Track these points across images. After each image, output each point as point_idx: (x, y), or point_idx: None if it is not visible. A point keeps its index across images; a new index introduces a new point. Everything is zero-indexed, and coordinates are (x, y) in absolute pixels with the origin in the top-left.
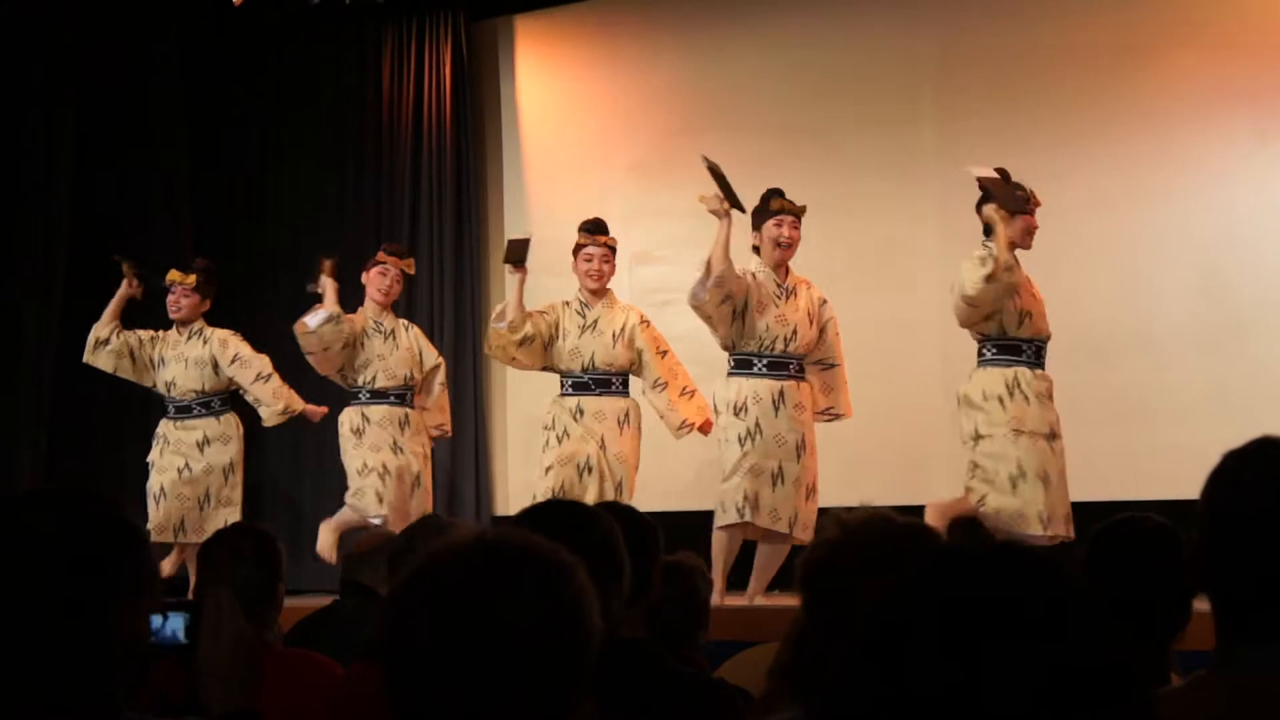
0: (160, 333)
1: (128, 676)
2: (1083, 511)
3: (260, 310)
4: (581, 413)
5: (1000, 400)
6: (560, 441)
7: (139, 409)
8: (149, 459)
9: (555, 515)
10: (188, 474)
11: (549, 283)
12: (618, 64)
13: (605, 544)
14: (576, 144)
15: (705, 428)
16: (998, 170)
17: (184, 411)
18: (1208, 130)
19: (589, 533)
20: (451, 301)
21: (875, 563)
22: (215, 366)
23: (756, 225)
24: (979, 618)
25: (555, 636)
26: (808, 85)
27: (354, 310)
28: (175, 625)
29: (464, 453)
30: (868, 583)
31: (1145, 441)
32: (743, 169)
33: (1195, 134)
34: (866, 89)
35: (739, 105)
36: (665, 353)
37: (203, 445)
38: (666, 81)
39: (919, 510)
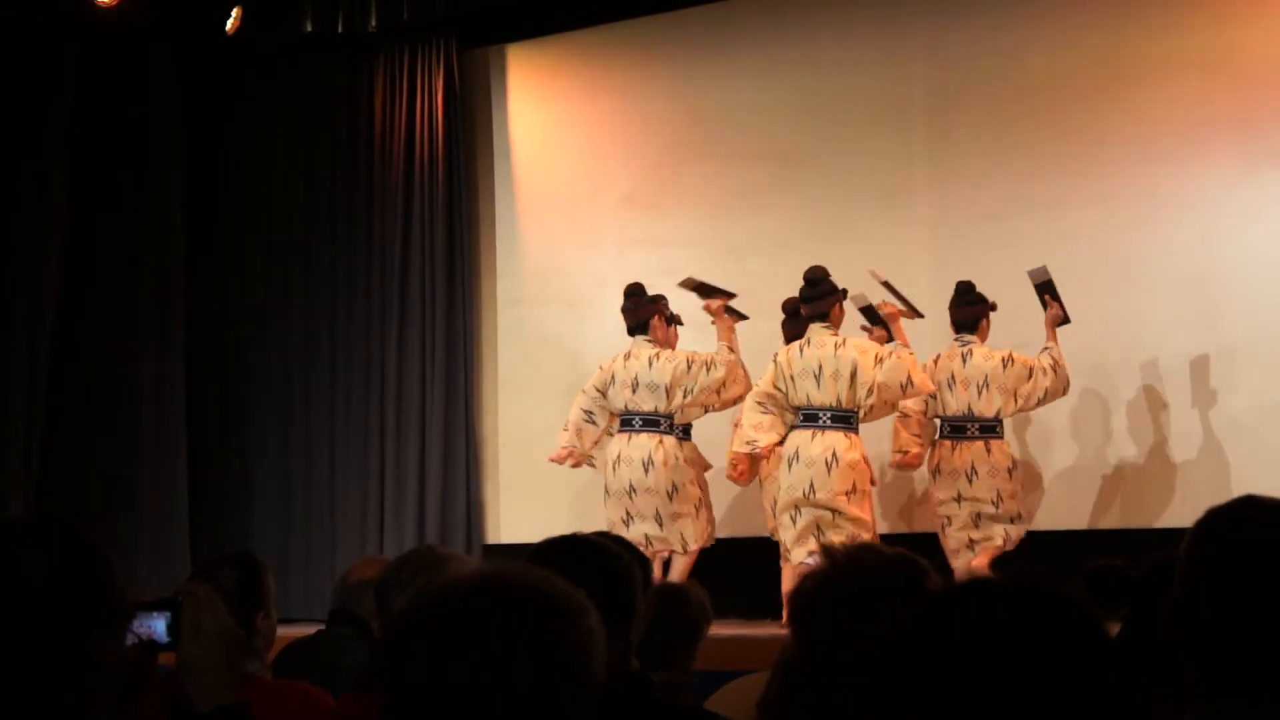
0: None
1: (109, 701)
2: (1070, 540)
3: (253, 338)
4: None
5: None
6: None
7: (128, 451)
8: None
9: (574, 553)
10: None
11: (542, 312)
12: (610, 93)
13: (622, 585)
14: (569, 173)
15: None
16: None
17: None
18: (1195, 159)
19: (607, 573)
20: (444, 329)
21: (865, 595)
22: None
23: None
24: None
25: (555, 684)
26: (800, 115)
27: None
28: (157, 625)
29: (455, 481)
30: (858, 615)
31: (1132, 470)
32: (735, 198)
33: (1183, 163)
34: (858, 119)
35: (731, 135)
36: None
37: None
38: (659, 111)
39: (921, 539)
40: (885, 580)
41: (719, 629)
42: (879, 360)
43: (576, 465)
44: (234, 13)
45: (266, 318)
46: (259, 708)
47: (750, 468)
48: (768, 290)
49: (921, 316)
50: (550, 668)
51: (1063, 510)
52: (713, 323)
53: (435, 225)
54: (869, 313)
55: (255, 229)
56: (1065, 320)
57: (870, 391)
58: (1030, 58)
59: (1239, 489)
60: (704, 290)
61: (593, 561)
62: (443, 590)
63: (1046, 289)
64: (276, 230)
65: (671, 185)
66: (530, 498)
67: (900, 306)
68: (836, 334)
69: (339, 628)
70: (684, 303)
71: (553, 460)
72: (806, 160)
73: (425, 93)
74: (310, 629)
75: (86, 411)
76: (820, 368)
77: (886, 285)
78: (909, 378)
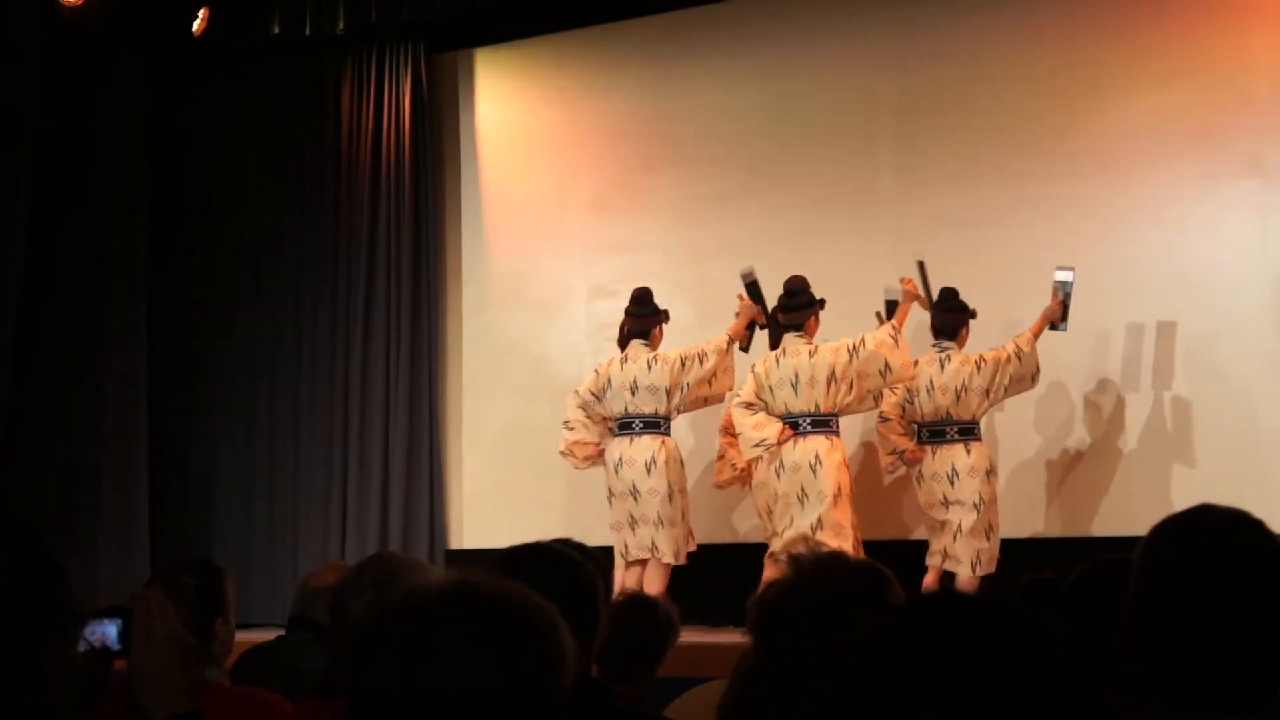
0: None
1: (63, 708)
2: (1031, 548)
3: (217, 340)
4: None
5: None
6: None
7: (91, 450)
8: None
9: (537, 561)
10: None
11: (508, 317)
12: (578, 99)
13: (585, 594)
14: (536, 178)
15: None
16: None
17: None
18: (1160, 170)
19: (570, 582)
20: (409, 334)
21: (829, 605)
22: None
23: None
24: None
25: (522, 696)
26: (767, 123)
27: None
28: (109, 632)
29: (418, 486)
30: (822, 624)
31: (1097, 479)
32: (702, 205)
33: (1148, 174)
34: (825, 127)
35: (698, 141)
36: None
37: None
38: (626, 117)
39: (892, 546)
40: (849, 591)
41: (682, 636)
42: (852, 351)
43: (589, 460)
44: (201, 14)
45: (231, 320)
46: (215, 714)
47: (742, 472)
48: (733, 296)
49: (929, 310)
50: (518, 679)
51: (1025, 517)
52: (736, 313)
53: (401, 229)
54: (753, 288)
55: (221, 231)
56: (1060, 324)
57: (851, 386)
58: (997, 68)
59: (1201, 498)
60: (753, 292)
61: (556, 570)
62: (412, 596)
63: (1065, 291)
64: (242, 232)
65: (639, 191)
66: (495, 503)
67: (920, 291)
68: (810, 343)
69: (299, 633)
70: (679, 311)
71: (579, 462)
72: (773, 167)
73: (393, 96)
74: (271, 634)
75: (49, 412)
76: (796, 376)
77: (920, 266)
78: (886, 363)
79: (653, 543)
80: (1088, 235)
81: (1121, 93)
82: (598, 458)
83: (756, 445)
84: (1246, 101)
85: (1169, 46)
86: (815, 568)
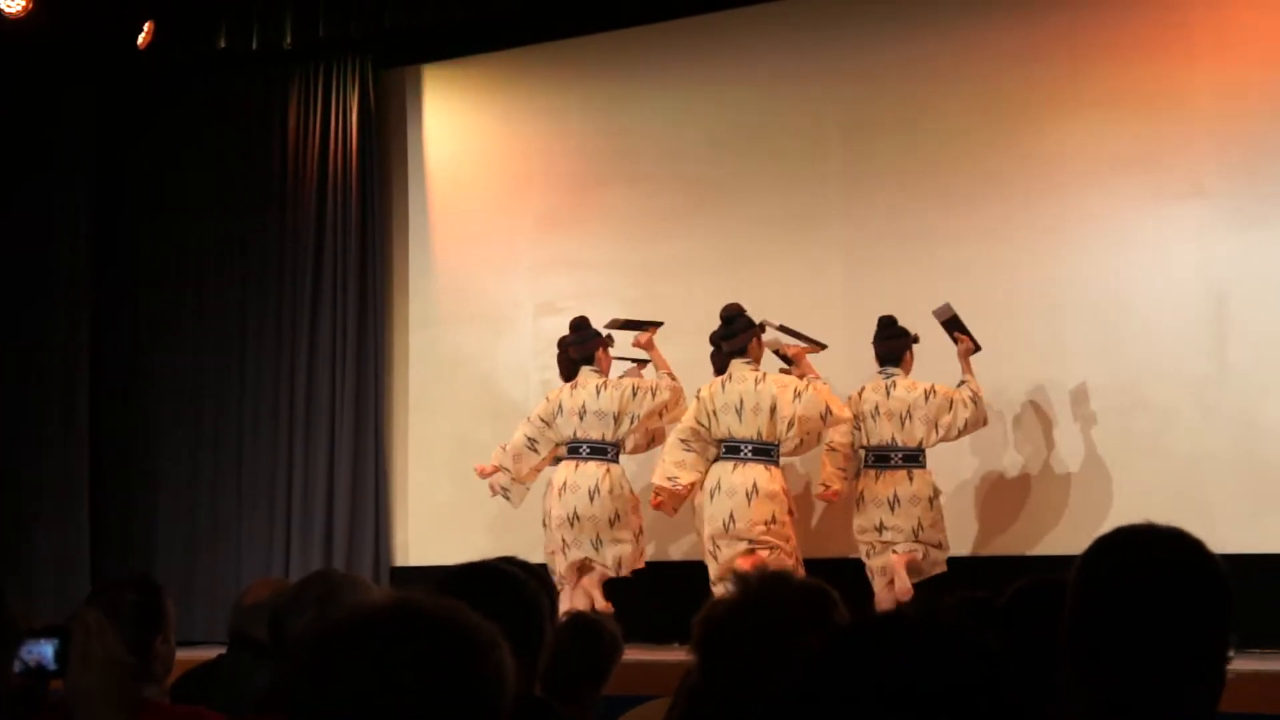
0: None
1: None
2: (978, 566)
3: (162, 354)
4: None
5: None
6: None
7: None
8: None
9: (482, 581)
10: None
11: (456, 332)
12: (526, 115)
13: (530, 613)
14: (484, 194)
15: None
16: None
17: None
18: (1104, 192)
19: (516, 601)
20: (355, 349)
21: (773, 624)
22: None
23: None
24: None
25: (463, 716)
26: (716, 141)
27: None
28: (45, 652)
29: (363, 503)
30: (766, 644)
31: (1034, 500)
32: (650, 222)
33: (1092, 196)
34: (774, 146)
35: (646, 159)
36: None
37: None
38: (574, 134)
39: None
40: (794, 610)
41: (626, 653)
42: (797, 394)
43: (500, 489)
44: (146, 26)
45: (176, 334)
46: None
47: (669, 500)
48: (681, 314)
49: (824, 347)
50: (458, 699)
51: (960, 537)
52: (647, 354)
53: (348, 245)
54: (781, 356)
55: (166, 244)
56: (976, 349)
57: (791, 424)
58: (945, 89)
59: (1138, 516)
60: (631, 326)
61: (501, 590)
62: (353, 615)
63: (954, 325)
64: (188, 247)
65: (587, 208)
66: (441, 520)
67: (801, 345)
68: (757, 369)
69: (239, 652)
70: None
71: (479, 471)
72: (722, 186)
73: (340, 111)
74: (213, 652)
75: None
76: (741, 402)
77: (782, 329)
78: (827, 408)
79: (585, 561)
80: (1031, 256)
81: (1065, 115)
82: (501, 483)
83: (669, 479)
84: (1188, 125)
85: (1112, 70)
86: (760, 586)
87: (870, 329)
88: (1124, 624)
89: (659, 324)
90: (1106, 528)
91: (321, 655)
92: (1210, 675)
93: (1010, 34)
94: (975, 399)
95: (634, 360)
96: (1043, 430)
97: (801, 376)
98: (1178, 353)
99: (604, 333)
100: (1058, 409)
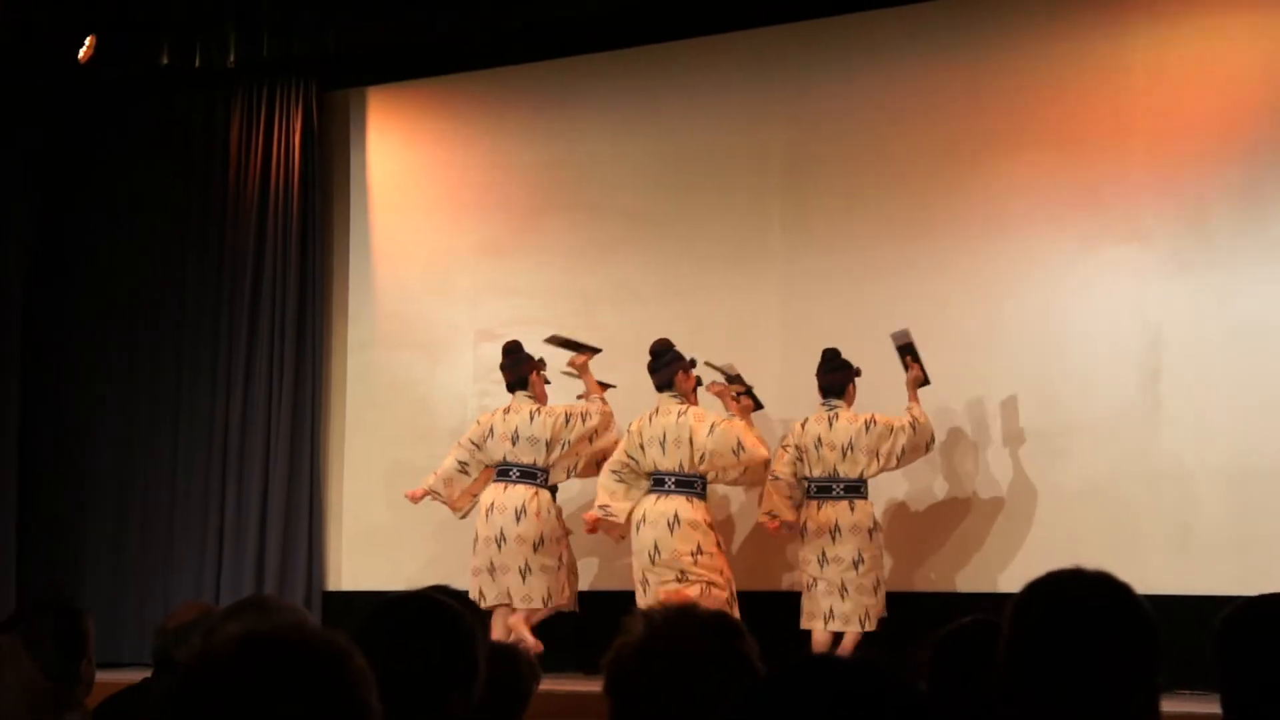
0: None
1: None
2: (911, 602)
3: (95, 374)
4: None
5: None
6: None
7: None
8: None
9: (417, 611)
10: None
11: (394, 356)
12: (469, 141)
13: (465, 644)
14: (425, 219)
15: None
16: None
17: None
18: (1039, 233)
19: (450, 632)
20: (292, 371)
21: (680, 659)
22: None
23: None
24: None
25: None
26: (657, 172)
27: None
28: None
29: (297, 526)
30: (674, 682)
31: (969, 536)
32: (591, 251)
33: (1028, 236)
34: (715, 179)
35: (587, 188)
36: None
37: None
38: (517, 161)
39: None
40: (700, 644)
41: (558, 684)
42: (711, 428)
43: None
44: (87, 41)
45: (108, 354)
46: None
47: (608, 529)
48: (620, 343)
49: (749, 387)
50: (320, 712)
51: (896, 573)
52: (579, 378)
53: (288, 266)
54: (566, 344)
55: (103, 263)
56: (925, 382)
57: (703, 458)
58: (886, 126)
59: (1069, 555)
60: (569, 346)
61: (435, 620)
62: (205, 653)
63: (908, 351)
64: (124, 265)
65: (527, 235)
66: (375, 545)
67: (721, 384)
68: (684, 403)
69: (166, 675)
70: (566, 355)
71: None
72: (663, 216)
73: (283, 132)
74: (139, 675)
75: None
76: (664, 435)
77: (708, 365)
78: (739, 442)
79: (509, 591)
80: (967, 293)
81: (1004, 156)
82: (467, 505)
83: (600, 507)
84: (1124, 168)
85: (1051, 111)
86: (664, 623)
87: (806, 361)
88: (1056, 669)
89: (597, 349)
90: (1035, 565)
91: (176, 690)
92: (1143, 718)
93: (951, 72)
94: (914, 425)
95: (576, 375)
96: (973, 467)
97: (757, 407)
98: (1111, 392)
99: (537, 356)
100: (989, 446)
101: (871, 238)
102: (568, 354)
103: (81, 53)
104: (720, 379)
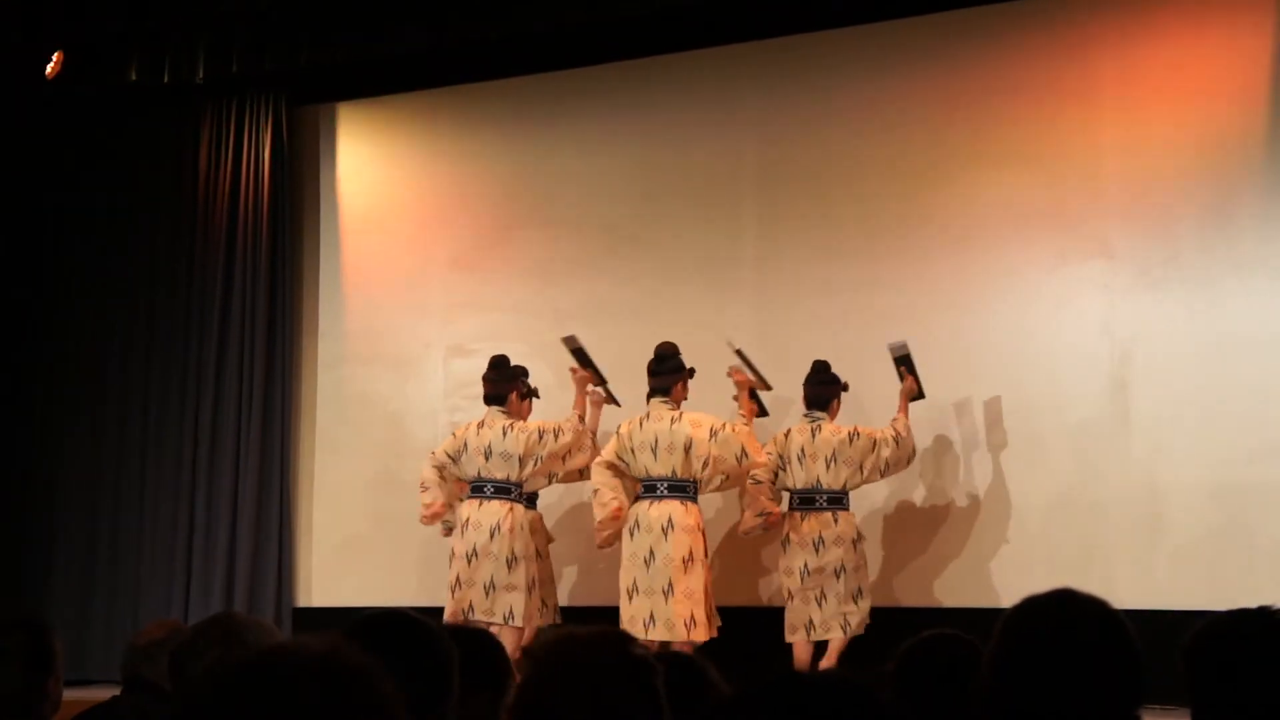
0: None
1: None
2: (881, 616)
3: (63, 391)
4: None
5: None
6: None
7: None
8: None
9: (396, 629)
10: None
11: (365, 372)
12: (439, 156)
13: (441, 663)
14: (396, 234)
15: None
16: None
17: None
18: (1011, 248)
19: (426, 651)
20: (262, 387)
21: (574, 687)
22: None
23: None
24: None
25: None
26: (630, 187)
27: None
28: None
29: (267, 542)
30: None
31: (941, 551)
32: (563, 266)
33: (999, 251)
34: (688, 194)
35: (559, 202)
36: None
37: None
38: (488, 176)
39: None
40: (592, 662)
41: None
42: (713, 433)
43: (438, 518)
44: (55, 57)
45: (76, 371)
46: None
47: (612, 527)
48: (593, 357)
49: (770, 388)
50: None
51: (875, 588)
52: (574, 386)
53: (258, 283)
54: (579, 355)
55: (72, 278)
56: (920, 395)
57: (706, 464)
58: (860, 141)
59: (1044, 571)
60: (580, 358)
61: (412, 639)
62: (242, 664)
63: (904, 362)
64: (93, 281)
65: (499, 250)
66: (345, 561)
67: (750, 376)
68: (676, 409)
69: (135, 694)
70: (538, 371)
71: (426, 519)
72: (635, 231)
73: (253, 148)
74: (108, 692)
75: None
76: (656, 441)
77: (740, 354)
78: (743, 449)
79: (471, 604)
80: (936, 308)
81: (974, 171)
82: (444, 516)
83: (602, 505)
84: (1094, 185)
85: (1020, 128)
86: (550, 654)
87: (779, 373)
88: (1040, 690)
89: (603, 379)
90: (1006, 579)
91: (191, 703)
92: None
93: (924, 88)
94: (898, 438)
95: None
96: (944, 481)
97: (761, 414)
98: (1080, 408)
99: (522, 373)
100: (959, 460)
101: (843, 251)
102: (567, 353)
103: (49, 68)
104: (742, 366)
